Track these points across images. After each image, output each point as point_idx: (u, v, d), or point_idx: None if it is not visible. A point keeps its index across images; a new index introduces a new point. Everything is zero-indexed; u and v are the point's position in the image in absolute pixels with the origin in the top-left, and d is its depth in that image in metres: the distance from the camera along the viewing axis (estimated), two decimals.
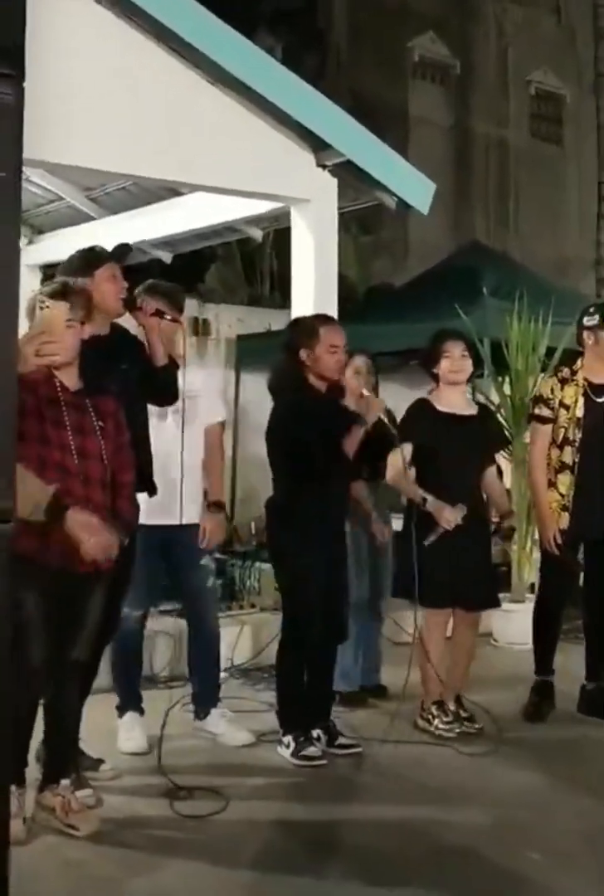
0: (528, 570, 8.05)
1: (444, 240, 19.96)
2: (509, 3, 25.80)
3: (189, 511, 5.53)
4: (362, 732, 5.66)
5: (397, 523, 6.55)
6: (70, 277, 4.70)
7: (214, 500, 5.71)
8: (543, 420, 6.03)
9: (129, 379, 4.84)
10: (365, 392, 5.52)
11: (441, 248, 15.87)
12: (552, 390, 6.05)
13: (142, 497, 5.11)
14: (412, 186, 7.60)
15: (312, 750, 5.32)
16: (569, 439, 5.93)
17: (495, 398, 8.34)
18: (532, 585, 7.96)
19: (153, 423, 5.23)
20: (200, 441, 5.68)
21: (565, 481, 5.95)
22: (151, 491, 5.05)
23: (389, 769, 5.30)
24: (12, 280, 2.75)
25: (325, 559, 5.34)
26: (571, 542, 6.04)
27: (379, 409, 5.41)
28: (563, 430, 5.95)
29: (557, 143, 27.22)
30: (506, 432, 7.50)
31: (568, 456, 5.94)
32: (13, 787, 4.28)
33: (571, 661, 6.34)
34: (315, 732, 5.44)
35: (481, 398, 8.00)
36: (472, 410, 5.95)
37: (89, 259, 4.93)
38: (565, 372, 6.10)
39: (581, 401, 5.94)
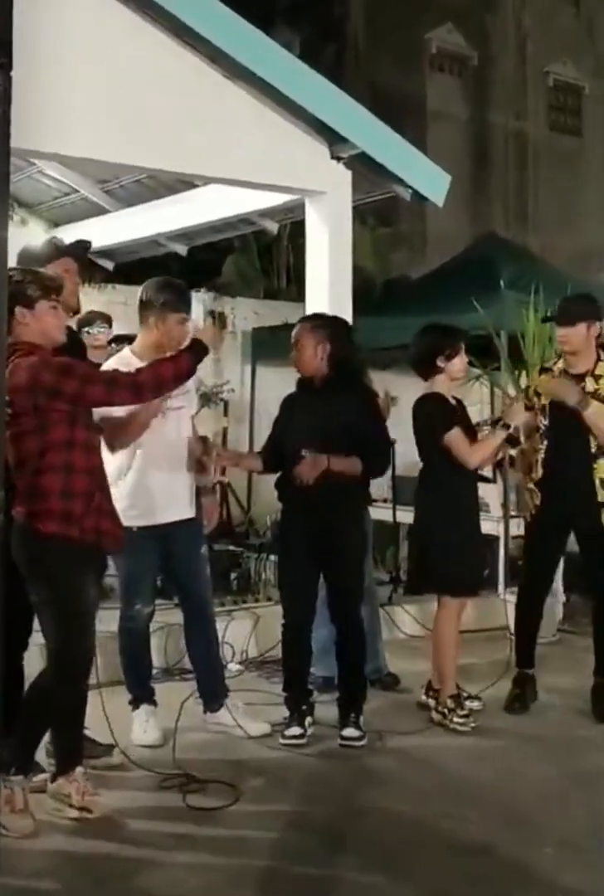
0: None
1: (462, 232, 19.93)
2: None
3: (191, 503, 5.53)
4: (374, 724, 5.64)
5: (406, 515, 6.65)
6: (36, 264, 4.72)
7: (206, 486, 5.73)
8: (526, 408, 6.06)
9: None
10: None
11: (459, 241, 15.82)
12: (535, 382, 6.17)
13: (148, 496, 5.24)
14: (428, 178, 7.59)
15: (293, 730, 5.47)
16: (539, 428, 5.99)
17: (512, 391, 8.31)
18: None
19: (154, 419, 5.23)
20: (191, 433, 5.66)
21: (539, 468, 6.03)
22: None
23: (401, 761, 5.29)
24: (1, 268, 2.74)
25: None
26: (542, 530, 6.07)
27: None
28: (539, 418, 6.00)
29: (575, 135, 27.15)
30: None
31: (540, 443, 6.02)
32: (21, 778, 4.32)
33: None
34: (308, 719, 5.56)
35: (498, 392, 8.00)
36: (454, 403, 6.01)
37: (44, 251, 4.95)
38: (551, 364, 6.22)
39: None
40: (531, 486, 6.04)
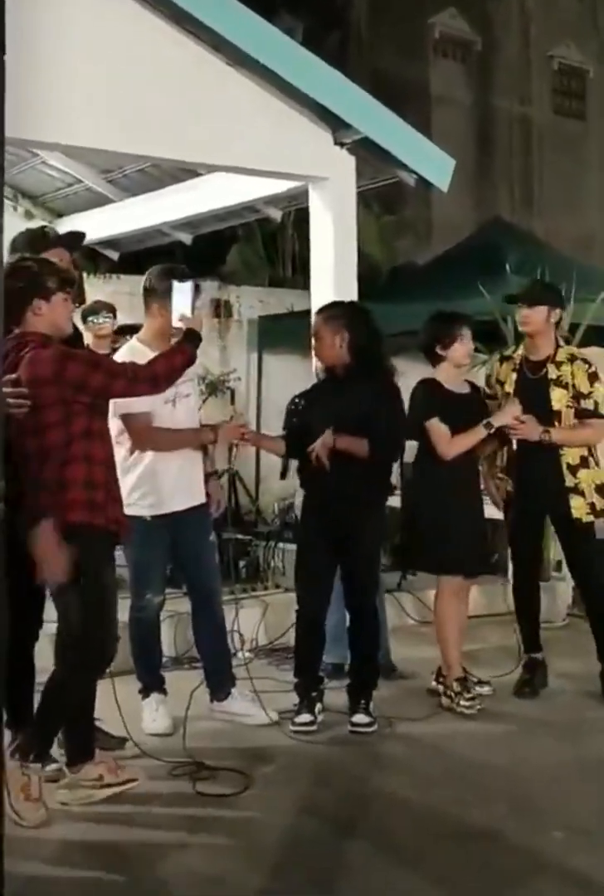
0: (553, 549, 7.99)
1: (467, 218, 19.88)
2: None
3: (201, 491, 5.55)
4: (383, 711, 5.65)
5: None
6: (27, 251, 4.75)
7: (212, 472, 5.75)
8: (488, 398, 6.15)
9: None
10: None
11: (465, 227, 15.78)
12: (495, 370, 6.23)
13: (159, 485, 5.26)
14: (432, 163, 7.57)
15: (303, 717, 5.49)
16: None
17: None
18: (559, 564, 7.95)
19: (164, 408, 5.25)
20: (197, 420, 5.68)
21: (504, 456, 6.10)
22: None
23: (410, 747, 5.30)
24: None
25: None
26: (519, 518, 6.11)
27: None
28: (499, 406, 6.02)
29: (580, 119, 27.05)
30: None
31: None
32: (39, 767, 4.34)
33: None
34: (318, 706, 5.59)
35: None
36: (466, 389, 6.00)
37: (35, 240, 4.96)
38: (511, 352, 6.28)
39: (513, 377, 6.05)
40: (500, 474, 6.08)
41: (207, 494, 5.57)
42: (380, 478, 5.68)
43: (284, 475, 6.38)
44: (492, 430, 5.77)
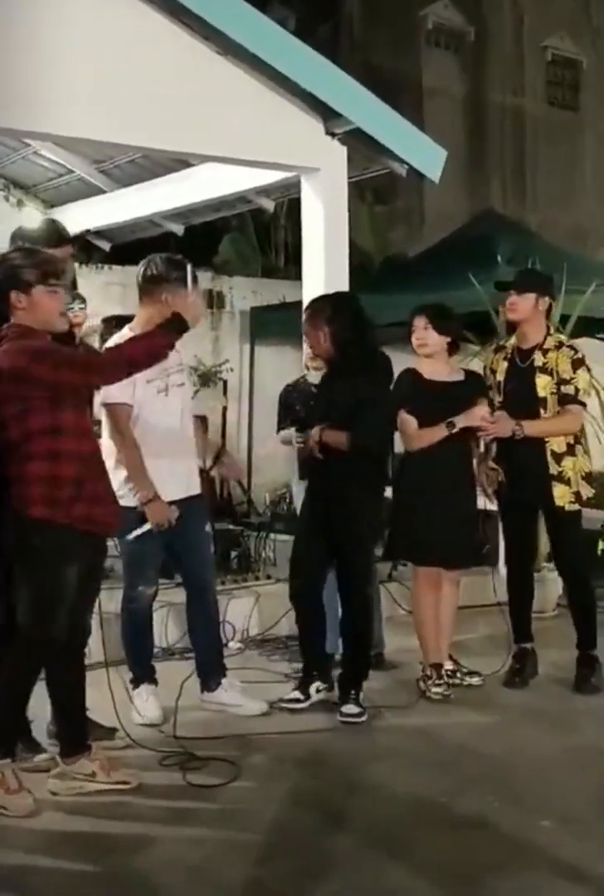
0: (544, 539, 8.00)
1: (460, 210, 19.85)
2: None
3: (196, 480, 5.57)
4: (373, 700, 5.66)
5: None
6: (39, 246, 4.71)
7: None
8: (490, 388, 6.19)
9: None
10: None
11: (457, 218, 15.76)
12: (490, 360, 6.27)
13: (156, 475, 5.24)
14: (423, 154, 7.57)
15: (292, 694, 5.66)
16: (494, 404, 6.03)
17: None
18: (549, 554, 7.95)
19: (157, 398, 5.25)
20: (191, 410, 5.68)
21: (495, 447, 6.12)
22: None
23: (400, 737, 5.31)
24: None
25: None
26: (510, 507, 6.13)
27: None
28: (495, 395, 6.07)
29: (573, 110, 27.02)
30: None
31: None
32: (8, 761, 4.33)
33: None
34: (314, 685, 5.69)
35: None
36: (457, 377, 5.99)
37: (50, 236, 4.96)
38: (504, 342, 6.29)
39: (504, 366, 6.08)
40: (493, 465, 6.06)
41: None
42: (370, 469, 5.67)
43: (302, 476, 6.35)
44: (454, 430, 5.74)
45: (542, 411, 5.88)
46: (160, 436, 5.32)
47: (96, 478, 4.45)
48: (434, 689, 5.80)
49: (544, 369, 5.89)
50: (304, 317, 5.86)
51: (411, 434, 5.83)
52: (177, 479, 5.40)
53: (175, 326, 4.52)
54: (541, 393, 5.88)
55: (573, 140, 26.25)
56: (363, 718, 5.47)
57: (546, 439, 5.87)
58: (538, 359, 5.91)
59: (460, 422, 5.76)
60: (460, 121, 24.62)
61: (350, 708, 5.50)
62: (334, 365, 5.67)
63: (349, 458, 5.49)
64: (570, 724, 5.49)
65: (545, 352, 5.92)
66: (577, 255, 12.13)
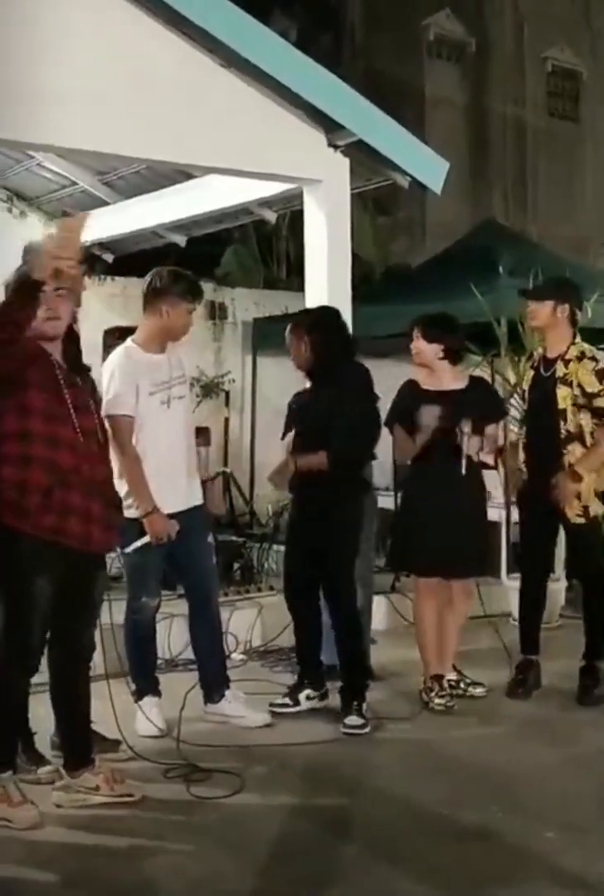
0: None
1: (461, 220, 19.87)
2: None
3: (197, 492, 5.58)
4: (376, 711, 5.66)
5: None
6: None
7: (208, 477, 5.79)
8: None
9: None
10: None
11: (459, 229, 15.77)
12: (524, 369, 6.32)
13: (156, 487, 5.24)
14: (425, 165, 7.58)
15: (281, 700, 5.78)
16: (501, 411, 6.16)
17: (512, 377, 8.30)
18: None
19: (160, 410, 5.27)
20: (192, 422, 5.71)
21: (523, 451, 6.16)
22: None
23: (403, 748, 5.31)
24: None
25: None
26: (530, 516, 6.13)
27: None
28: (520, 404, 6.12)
29: (574, 121, 27.06)
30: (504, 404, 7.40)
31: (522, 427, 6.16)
32: (9, 774, 4.32)
33: None
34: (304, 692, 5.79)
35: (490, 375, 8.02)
36: (461, 384, 6.00)
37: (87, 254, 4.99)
38: (534, 350, 6.32)
39: (530, 375, 6.10)
40: (521, 466, 6.12)
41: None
42: (349, 478, 5.70)
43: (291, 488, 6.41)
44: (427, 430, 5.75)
45: (561, 423, 5.83)
46: (162, 448, 5.35)
47: (74, 490, 4.28)
48: (437, 701, 5.81)
49: (565, 381, 5.84)
50: (287, 329, 5.97)
51: (398, 443, 5.92)
52: (178, 490, 5.42)
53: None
54: (561, 405, 5.84)
55: (574, 150, 26.30)
56: (366, 730, 5.48)
57: (565, 450, 5.83)
58: (560, 369, 5.88)
59: (421, 420, 5.74)
60: (462, 131, 24.66)
61: (352, 719, 5.50)
62: (314, 376, 5.79)
63: (323, 477, 5.57)
64: (572, 734, 5.48)
65: (567, 362, 5.88)
66: (578, 265, 12.13)
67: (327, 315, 5.98)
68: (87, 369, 4.59)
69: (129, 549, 5.28)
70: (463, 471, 5.71)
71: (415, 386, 5.95)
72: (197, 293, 5.51)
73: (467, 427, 5.70)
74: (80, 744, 4.62)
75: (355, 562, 5.77)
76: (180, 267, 5.77)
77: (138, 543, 5.28)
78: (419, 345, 5.92)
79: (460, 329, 6.13)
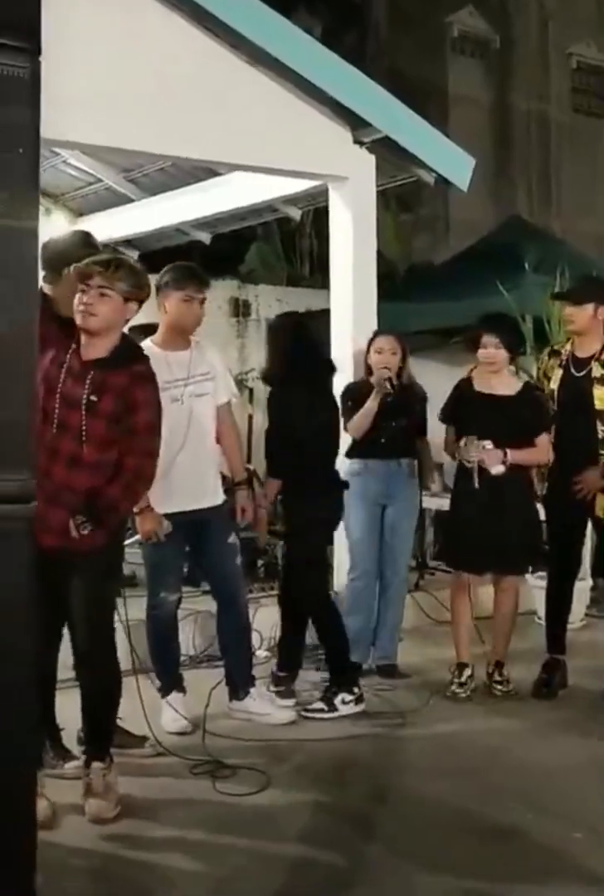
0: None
1: (485, 217, 19.78)
2: None
3: (216, 492, 5.55)
4: (401, 707, 5.66)
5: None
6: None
7: (240, 480, 5.72)
8: (537, 390, 6.14)
9: None
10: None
11: (483, 226, 15.70)
12: (543, 364, 6.19)
13: (167, 484, 5.10)
14: (451, 162, 7.54)
15: (285, 700, 5.79)
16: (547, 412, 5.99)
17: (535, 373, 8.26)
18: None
19: (172, 406, 5.23)
20: (215, 421, 5.64)
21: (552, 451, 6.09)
22: None
23: (428, 746, 5.30)
24: (31, 260, 2.72)
25: None
26: (560, 515, 6.06)
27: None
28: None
29: (599, 117, 26.91)
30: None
31: None
32: None
33: None
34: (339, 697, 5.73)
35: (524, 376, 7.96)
36: (512, 391, 5.96)
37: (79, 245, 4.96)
38: (559, 347, 6.19)
39: (558, 373, 5.99)
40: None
41: (233, 508, 5.61)
42: (304, 482, 5.76)
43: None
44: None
45: (599, 424, 5.78)
46: (171, 445, 5.12)
47: (52, 490, 4.19)
48: (451, 687, 5.95)
49: (602, 381, 5.79)
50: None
51: (446, 446, 6.09)
52: (186, 490, 5.35)
53: None
54: (598, 405, 5.78)
55: (598, 146, 26.15)
56: (325, 715, 5.58)
57: (602, 452, 5.77)
58: (596, 369, 5.81)
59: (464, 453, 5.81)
60: (486, 128, 24.55)
61: (316, 704, 5.68)
62: (272, 381, 5.94)
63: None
64: (599, 734, 5.44)
65: (603, 363, 5.84)
66: (602, 261, 12.07)
67: (285, 323, 6.17)
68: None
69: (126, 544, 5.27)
70: (477, 484, 5.72)
71: (468, 386, 5.96)
72: (188, 279, 5.46)
73: (488, 443, 5.74)
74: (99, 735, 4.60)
75: (305, 561, 5.89)
76: (205, 264, 5.78)
77: (129, 540, 5.35)
78: (499, 355, 5.89)
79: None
